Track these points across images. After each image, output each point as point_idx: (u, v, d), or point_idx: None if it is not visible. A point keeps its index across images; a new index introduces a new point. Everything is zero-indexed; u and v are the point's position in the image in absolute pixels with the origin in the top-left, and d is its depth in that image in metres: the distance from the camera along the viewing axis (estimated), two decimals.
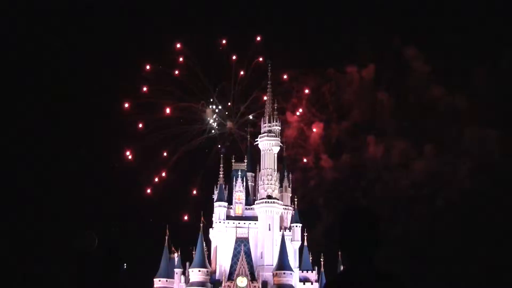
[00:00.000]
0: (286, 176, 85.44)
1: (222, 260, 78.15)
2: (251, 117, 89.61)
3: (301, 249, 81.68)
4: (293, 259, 79.50)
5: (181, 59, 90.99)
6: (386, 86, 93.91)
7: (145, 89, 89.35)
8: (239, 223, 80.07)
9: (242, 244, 77.37)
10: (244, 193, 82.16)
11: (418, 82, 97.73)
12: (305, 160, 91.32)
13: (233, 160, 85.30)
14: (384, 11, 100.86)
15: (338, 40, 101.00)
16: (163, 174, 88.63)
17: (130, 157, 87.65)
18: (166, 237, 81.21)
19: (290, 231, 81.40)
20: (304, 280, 78.74)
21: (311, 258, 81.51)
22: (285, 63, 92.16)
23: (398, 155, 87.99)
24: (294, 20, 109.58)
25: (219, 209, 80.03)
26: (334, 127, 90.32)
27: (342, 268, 77.52)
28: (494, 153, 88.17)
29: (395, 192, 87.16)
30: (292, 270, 76.62)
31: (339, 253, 79.97)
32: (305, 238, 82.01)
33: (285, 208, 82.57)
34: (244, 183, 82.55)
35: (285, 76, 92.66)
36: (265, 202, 79.77)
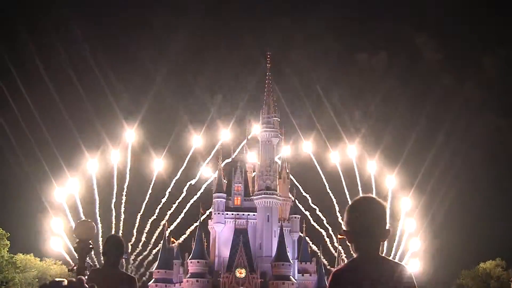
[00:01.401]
0: (285, 167, 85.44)
1: (221, 251, 78.33)
2: None
3: (299, 240, 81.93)
4: (291, 250, 79.72)
5: None
6: (397, 74, 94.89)
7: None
8: (238, 214, 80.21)
9: (241, 235, 77.48)
10: (243, 184, 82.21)
11: (430, 71, 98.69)
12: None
13: (232, 151, 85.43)
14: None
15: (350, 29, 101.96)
16: None
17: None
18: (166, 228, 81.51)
19: (289, 222, 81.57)
20: (302, 271, 78.98)
21: (310, 249, 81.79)
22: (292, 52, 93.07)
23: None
24: (298, 12, 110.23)
25: (218, 200, 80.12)
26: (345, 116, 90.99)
27: (343, 259, 77.91)
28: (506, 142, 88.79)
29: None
30: (291, 262, 76.85)
31: (339, 243, 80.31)
32: (304, 229, 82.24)
33: (284, 200, 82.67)
34: (243, 175, 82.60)
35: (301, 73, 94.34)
36: (264, 193, 79.84)
